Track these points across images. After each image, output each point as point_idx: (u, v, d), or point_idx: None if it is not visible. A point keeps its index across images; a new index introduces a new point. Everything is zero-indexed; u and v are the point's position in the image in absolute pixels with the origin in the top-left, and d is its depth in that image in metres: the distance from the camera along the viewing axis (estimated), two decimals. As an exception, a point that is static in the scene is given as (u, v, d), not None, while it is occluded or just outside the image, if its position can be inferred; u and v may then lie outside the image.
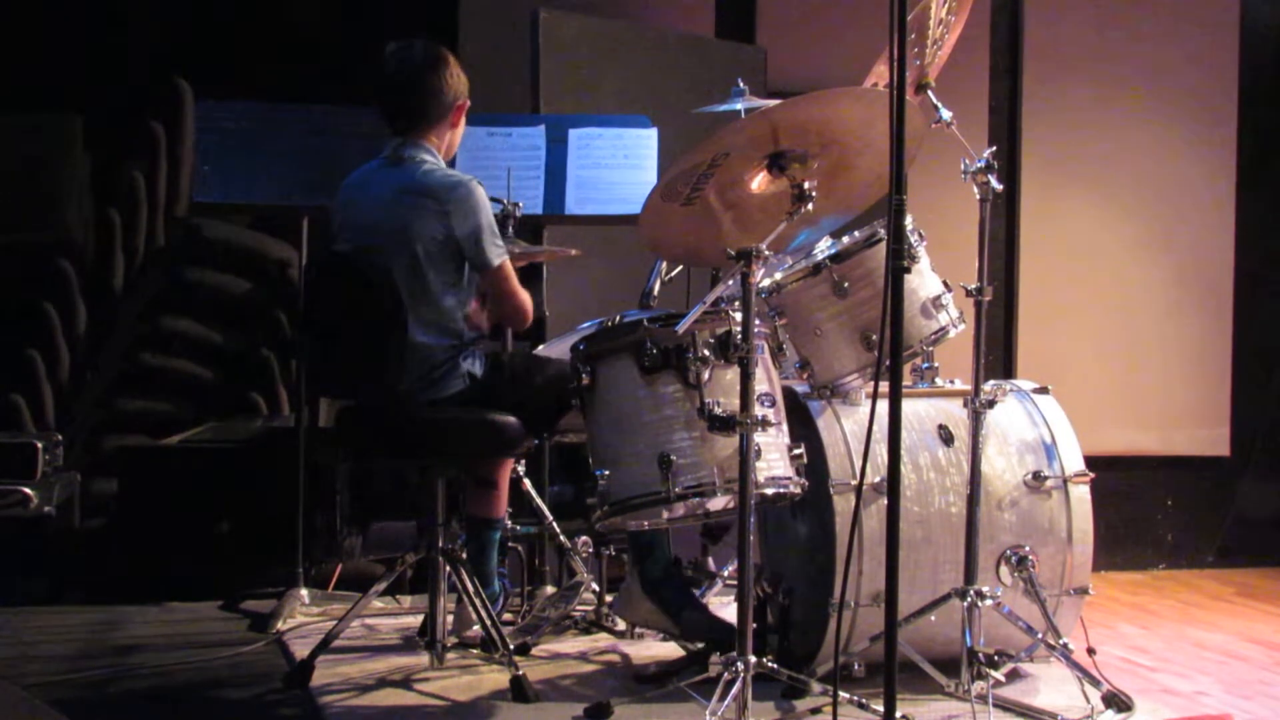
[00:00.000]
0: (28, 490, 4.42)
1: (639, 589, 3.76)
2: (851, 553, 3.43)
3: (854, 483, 3.58)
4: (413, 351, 3.70)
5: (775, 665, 3.36)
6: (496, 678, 3.72)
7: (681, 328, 3.25)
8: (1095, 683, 3.51)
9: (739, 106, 4.10)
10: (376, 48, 3.97)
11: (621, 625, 4.21)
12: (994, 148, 3.70)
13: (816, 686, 3.48)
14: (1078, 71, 5.80)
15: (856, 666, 3.64)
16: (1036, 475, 3.75)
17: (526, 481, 4.38)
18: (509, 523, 4.40)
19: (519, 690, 3.56)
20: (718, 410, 3.25)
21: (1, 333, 5.51)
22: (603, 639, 4.21)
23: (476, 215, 3.74)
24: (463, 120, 3.95)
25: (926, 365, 3.86)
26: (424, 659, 3.87)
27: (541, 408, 3.79)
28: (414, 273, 3.73)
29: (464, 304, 3.83)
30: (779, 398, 3.42)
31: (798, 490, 3.39)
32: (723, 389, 3.30)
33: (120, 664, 3.98)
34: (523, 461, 4.36)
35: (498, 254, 3.78)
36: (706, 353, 3.31)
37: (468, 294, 3.85)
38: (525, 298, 3.87)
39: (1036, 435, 3.83)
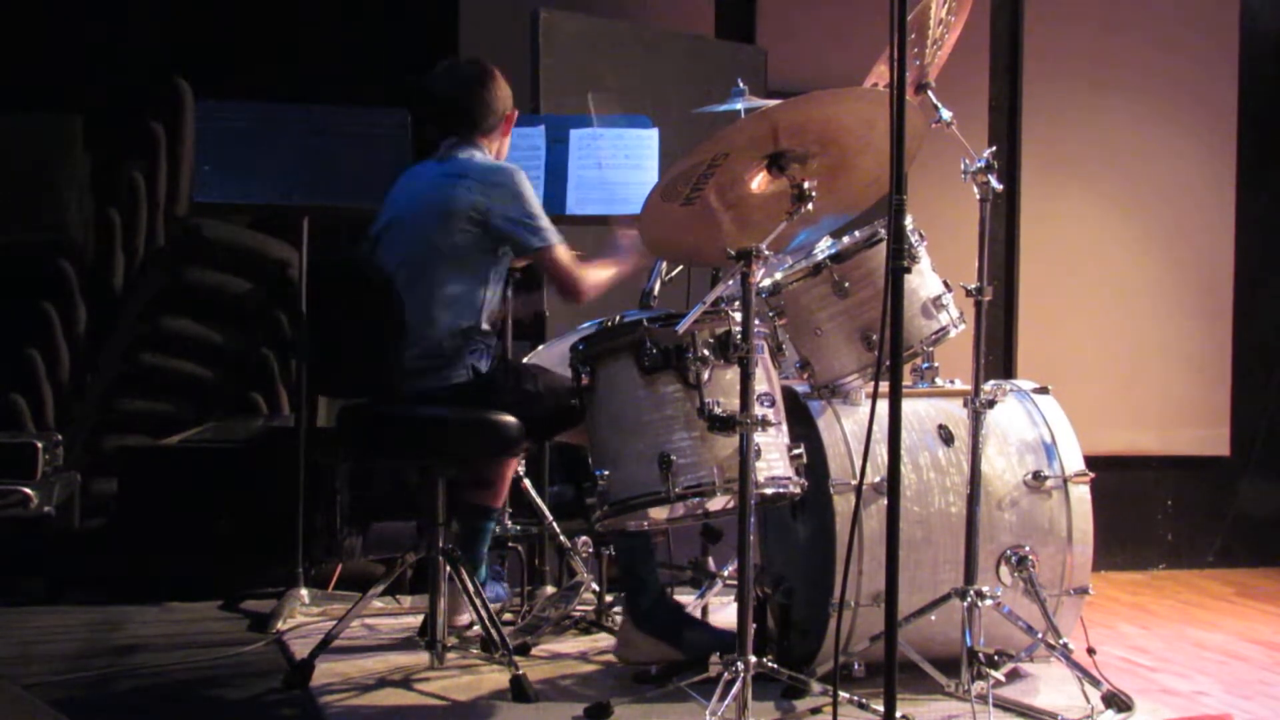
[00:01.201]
0: (28, 490, 4.42)
1: (633, 626, 3.76)
2: (851, 553, 3.43)
3: (854, 483, 3.58)
4: (422, 326, 3.72)
5: (775, 665, 3.36)
6: (496, 678, 3.72)
7: (681, 328, 3.25)
8: (1095, 683, 3.51)
9: (739, 106, 4.10)
10: (377, 48, 3.98)
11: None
12: (994, 148, 3.70)
13: (816, 686, 3.48)
14: (1078, 71, 5.80)
15: (856, 666, 3.64)
16: (1036, 475, 3.75)
17: (526, 481, 4.38)
18: (509, 523, 4.41)
19: (519, 690, 3.56)
20: (718, 410, 3.25)
21: (1, 333, 5.51)
22: (603, 639, 4.20)
23: (518, 199, 3.81)
24: (511, 130, 4.07)
25: (926, 365, 3.86)
26: (424, 659, 3.87)
27: (540, 416, 3.78)
28: (439, 248, 3.78)
29: (486, 292, 3.85)
30: (779, 398, 3.42)
31: (797, 490, 3.39)
32: (723, 389, 3.30)
33: (120, 664, 3.98)
34: (523, 461, 4.36)
35: (543, 237, 3.83)
36: (706, 353, 3.31)
37: (493, 283, 3.87)
38: (580, 277, 3.90)
39: (1036, 435, 3.83)
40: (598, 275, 3.96)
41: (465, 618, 4.04)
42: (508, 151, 4.10)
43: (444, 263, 3.79)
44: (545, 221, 3.85)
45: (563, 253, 3.87)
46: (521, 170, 3.88)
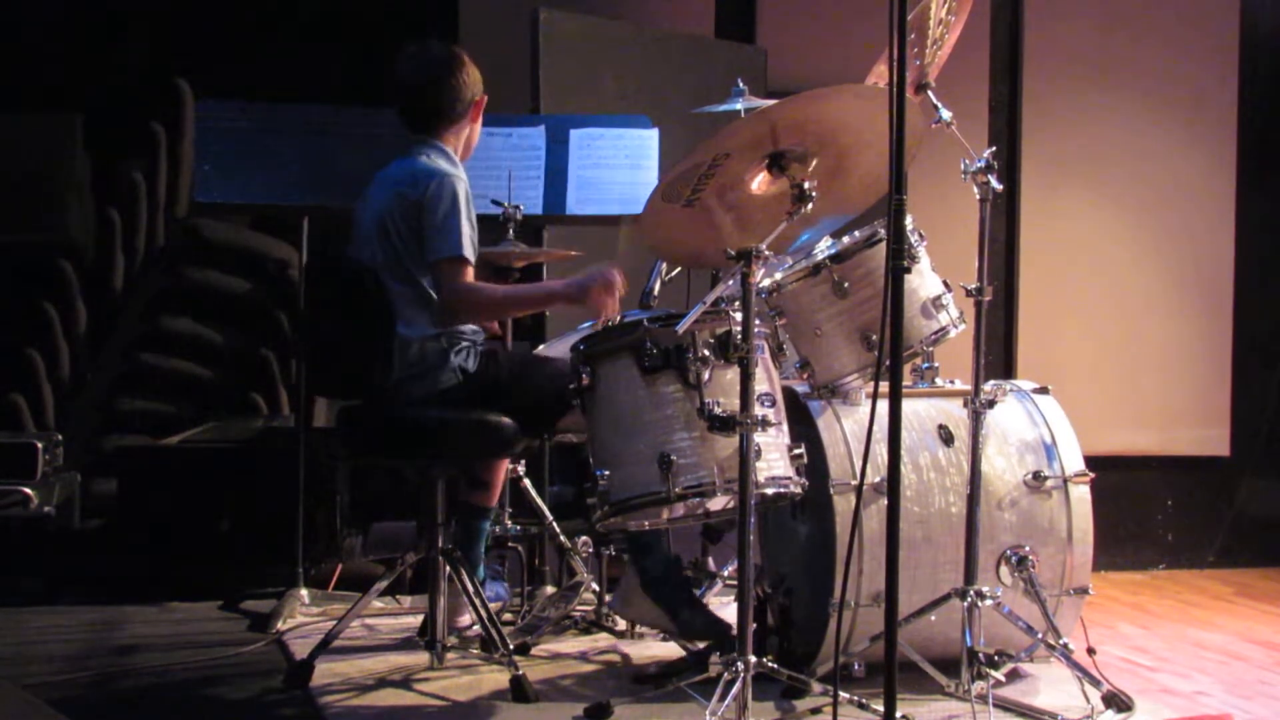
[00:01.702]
0: (28, 490, 4.42)
1: (638, 586, 3.74)
2: (851, 553, 3.43)
3: (854, 483, 3.58)
4: (402, 336, 3.71)
5: (775, 665, 3.36)
6: (496, 678, 3.72)
7: (681, 328, 3.25)
8: (1095, 683, 3.51)
9: (739, 106, 4.10)
10: (377, 48, 3.97)
11: (622, 625, 4.21)
12: (994, 148, 3.70)
13: (816, 686, 3.48)
14: (1078, 71, 5.80)
15: (856, 666, 3.64)
16: (1036, 475, 3.75)
17: (526, 481, 4.38)
18: (509, 523, 4.41)
19: (519, 690, 3.56)
20: (718, 410, 3.25)
21: (1, 333, 5.51)
22: (603, 639, 4.21)
23: (437, 205, 3.70)
24: (481, 116, 3.97)
25: (926, 365, 3.86)
26: (424, 659, 3.87)
27: (538, 408, 3.78)
28: (396, 262, 3.75)
29: None
30: (779, 398, 3.42)
31: (798, 490, 3.39)
32: (723, 389, 3.30)
33: (120, 664, 3.98)
34: (523, 461, 4.36)
35: (440, 248, 3.70)
36: (706, 353, 3.31)
37: None
38: (459, 304, 3.73)
39: (1036, 435, 3.82)
40: (490, 299, 3.81)
41: (466, 618, 4.04)
42: (478, 138, 4.01)
43: (402, 271, 3.75)
44: (457, 233, 3.70)
45: (456, 269, 3.71)
46: (457, 179, 3.76)
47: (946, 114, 3.64)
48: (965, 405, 3.64)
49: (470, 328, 3.85)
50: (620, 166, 4.66)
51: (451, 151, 3.90)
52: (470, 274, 3.75)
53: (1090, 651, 3.61)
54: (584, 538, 4.27)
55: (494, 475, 4.15)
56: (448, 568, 3.77)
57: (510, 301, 3.96)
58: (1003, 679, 3.52)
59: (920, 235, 3.75)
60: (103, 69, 5.55)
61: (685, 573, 3.89)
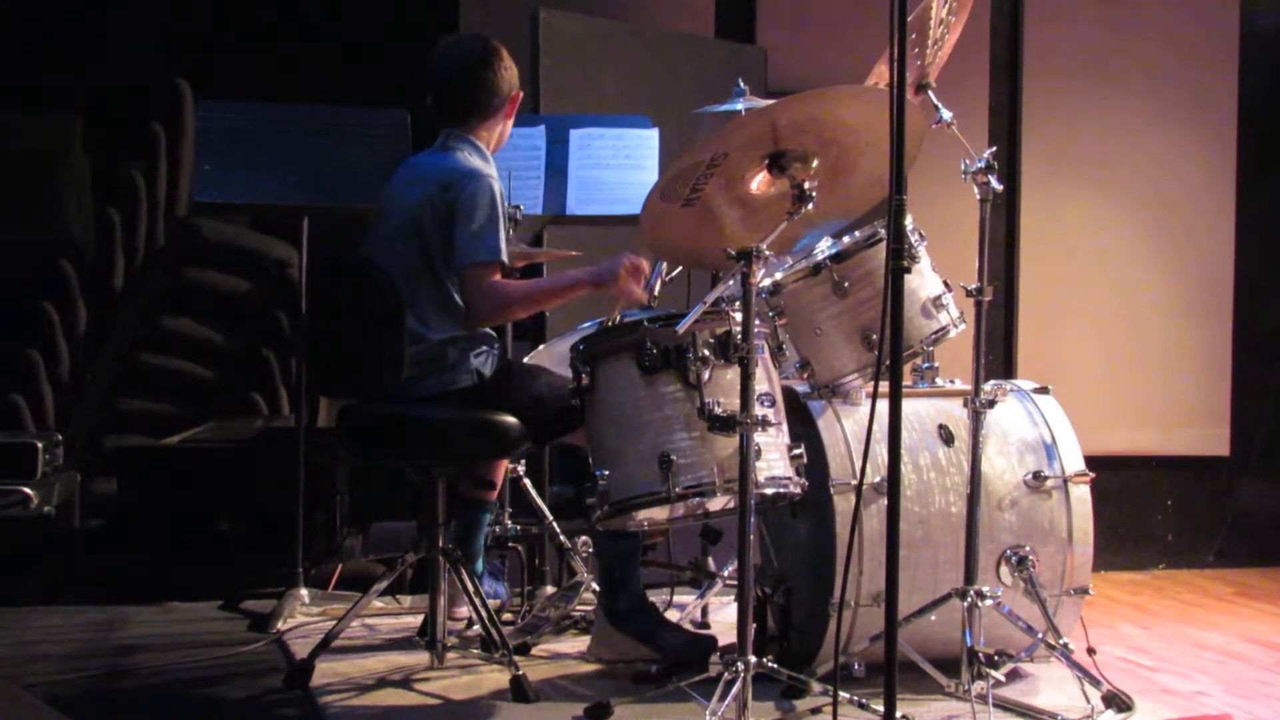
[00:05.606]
0: (28, 490, 4.42)
1: (609, 625, 3.75)
2: (851, 553, 3.43)
3: (854, 483, 3.58)
4: (416, 342, 3.70)
5: (775, 665, 3.36)
6: (496, 678, 3.72)
7: (681, 328, 3.25)
8: (1095, 683, 3.51)
9: (739, 106, 4.10)
10: (376, 48, 3.97)
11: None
12: (994, 148, 3.70)
13: (816, 686, 3.48)
14: (1078, 71, 5.79)
15: (856, 666, 3.64)
16: (1037, 475, 3.75)
17: (526, 481, 4.38)
18: (509, 523, 4.41)
19: (519, 690, 3.56)
20: (718, 410, 3.25)
21: (1, 333, 5.52)
22: (603, 639, 4.20)
23: (474, 209, 3.70)
24: (515, 112, 3.96)
25: (926, 365, 3.86)
26: (424, 659, 3.87)
27: (542, 420, 3.77)
28: (423, 259, 3.75)
29: None
30: (779, 398, 3.42)
31: (798, 490, 3.39)
32: (723, 389, 3.30)
33: (120, 664, 3.98)
34: (523, 461, 4.36)
35: (470, 254, 3.70)
36: (706, 353, 3.31)
37: None
38: (489, 309, 3.74)
39: (1037, 435, 3.82)
40: (519, 296, 3.79)
41: (463, 610, 4.05)
42: (509, 136, 4.01)
43: (427, 269, 3.74)
44: (495, 237, 3.70)
45: (484, 273, 3.70)
46: (492, 178, 3.75)
47: (947, 114, 3.64)
48: (965, 405, 3.63)
49: (489, 333, 3.85)
50: (620, 166, 4.66)
51: (484, 147, 3.88)
52: (499, 275, 3.75)
53: (1090, 651, 3.61)
54: (584, 538, 4.27)
55: (496, 473, 4.15)
56: (448, 567, 3.77)
57: (538, 296, 3.92)
58: (1003, 679, 3.52)
59: (920, 235, 3.75)
60: (103, 69, 5.55)
61: (650, 601, 3.88)
